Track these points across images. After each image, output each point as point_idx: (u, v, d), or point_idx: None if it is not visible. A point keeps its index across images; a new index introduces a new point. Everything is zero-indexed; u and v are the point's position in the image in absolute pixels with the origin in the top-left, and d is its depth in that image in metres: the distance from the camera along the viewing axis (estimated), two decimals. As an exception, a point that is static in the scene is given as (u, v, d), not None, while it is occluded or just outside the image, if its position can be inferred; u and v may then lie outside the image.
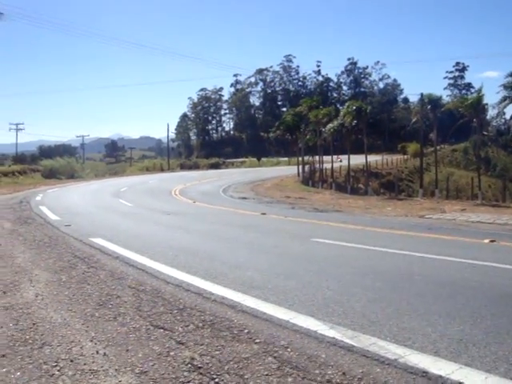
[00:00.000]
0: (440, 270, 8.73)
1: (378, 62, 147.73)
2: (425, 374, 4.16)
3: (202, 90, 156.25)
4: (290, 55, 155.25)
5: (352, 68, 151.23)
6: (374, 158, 64.51)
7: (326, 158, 55.84)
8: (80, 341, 5.19)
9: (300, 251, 10.90)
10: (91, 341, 5.19)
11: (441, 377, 4.09)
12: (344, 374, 4.21)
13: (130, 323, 5.73)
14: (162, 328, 5.52)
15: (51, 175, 65.13)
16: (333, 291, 7.02)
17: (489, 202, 30.97)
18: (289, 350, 4.77)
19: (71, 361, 4.66)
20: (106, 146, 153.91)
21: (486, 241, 11.96)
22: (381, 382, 4.05)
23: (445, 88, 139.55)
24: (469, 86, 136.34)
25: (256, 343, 4.97)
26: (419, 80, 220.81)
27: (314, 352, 4.70)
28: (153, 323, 5.70)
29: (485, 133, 73.46)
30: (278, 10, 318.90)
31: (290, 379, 4.16)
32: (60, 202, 26.00)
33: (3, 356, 4.79)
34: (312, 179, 49.98)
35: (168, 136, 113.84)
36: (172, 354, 4.78)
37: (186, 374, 4.33)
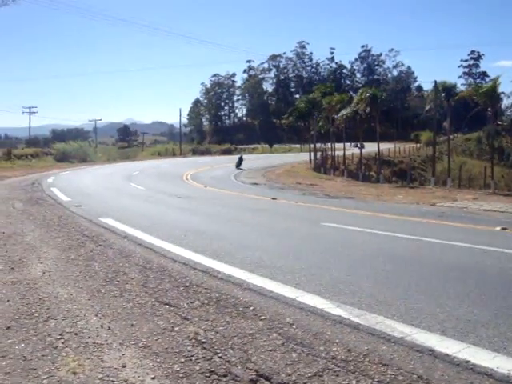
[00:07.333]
0: (450, 254, 8.67)
1: (392, 49, 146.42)
2: (431, 352, 4.12)
3: (214, 75, 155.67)
4: (303, 41, 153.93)
5: (366, 55, 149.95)
6: (386, 146, 64.11)
7: (338, 145, 55.60)
8: (85, 315, 5.19)
9: (309, 234, 10.87)
10: (96, 315, 5.19)
11: (447, 355, 4.05)
12: (349, 350, 4.18)
13: (136, 299, 5.73)
14: (168, 304, 5.51)
15: (64, 159, 65.02)
16: (341, 272, 6.98)
17: (502, 192, 30.57)
18: (294, 326, 4.74)
19: (75, 334, 4.66)
20: (119, 131, 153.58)
21: (498, 228, 11.83)
22: (386, 359, 4.02)
23: (459, 77, 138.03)
24: (484, 74, 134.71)
25: (261, 320, 4.94)
26: (433, 68, 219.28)
27: (319, 329, 4.67)
28: (158, 299, 5.69)
29: (499, 122, 72.92)
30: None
31: (294, 355, 4.13)
32: (71, 185, 26.06)
33: (8, 328, 4.81)
34: (324, 166, 49.72)
35: (180, 121, 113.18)
36: (176, 329, 4.77)
37: (189, 348, 4.31)
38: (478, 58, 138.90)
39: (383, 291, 5.98)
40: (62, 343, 4.45)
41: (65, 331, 4.74)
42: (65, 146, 72.24)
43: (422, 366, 3.89)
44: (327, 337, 4.49)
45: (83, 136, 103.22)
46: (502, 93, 36.66)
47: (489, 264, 7.79)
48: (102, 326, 4.86)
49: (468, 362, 3.95)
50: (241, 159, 46.97)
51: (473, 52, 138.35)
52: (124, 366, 4.00)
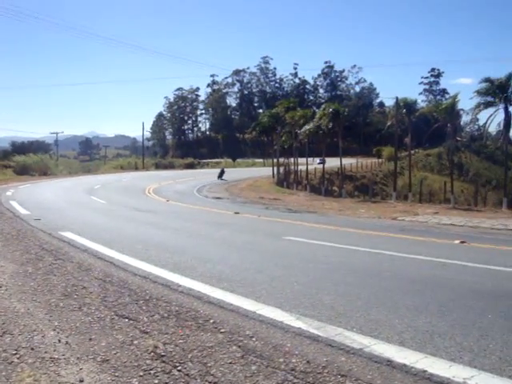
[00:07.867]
0: (410, 267, 8.80)
1: (355, 65, 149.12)
2: (389, 362, 4.17)
3: (178, 89, 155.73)
4: (267, 57, 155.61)
5: (329, 71, 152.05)
6: (349, 161, 64.95)
7: (301, 160, 55.94)
8: (42, 330, 5.10)
9: (271, 248, 10.88)
10: (54, 330, 5.10)
11: (405, 365, 4.11)
12: (308, 362, 4.19)
13: (95, 313, 5.65)
14: (127, 318, 5.46)
15: (24, 171, 63.90)
16: (302, 285, 7.01)
17: (461, 206, 31.11)
18: (254, 339, 4.74)
19: (32, 349, 4.57)
20: (81, 144, 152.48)
21: (457, 242, 12.06)
22: (345, 370, 4.05)
23: (420, 93, 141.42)
24: (444, 91, 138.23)
25: (221, 333, 4.93)
26: (395, 85, 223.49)
27: (279, 341, 4.68)
28: (118, 313, 5.63)
29: (458, 138, 74.18)
30: (255, 11, 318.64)
31: (253, 367, 4.13)
32: (31, 198, 25.63)
33: (-40, 344, 4.68)
34: (287, 181, 49.92)
35: (143, 135, 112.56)
36: (135, 342, 4.72)
37: (148, 362, 4.27)
38: (438, 75, 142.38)
39: (343, 303, 6.03)
40: (18, 358, 4.36)
41: (21, 346, 4.63)
42: (25, 159, 70.80)
43: (380, 376, 3.94)
44: (287, 349, 4.50)
45: (44, 149, 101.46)
46: (461, 109, 37.27)
47: (447, 276, 7.93)
48: (59, 341, 4.77)
49: (425, 371, 4.01)
50: (222, 171, 52.55)
51: (433, 69, 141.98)
52: (81, 381, 3.94)
